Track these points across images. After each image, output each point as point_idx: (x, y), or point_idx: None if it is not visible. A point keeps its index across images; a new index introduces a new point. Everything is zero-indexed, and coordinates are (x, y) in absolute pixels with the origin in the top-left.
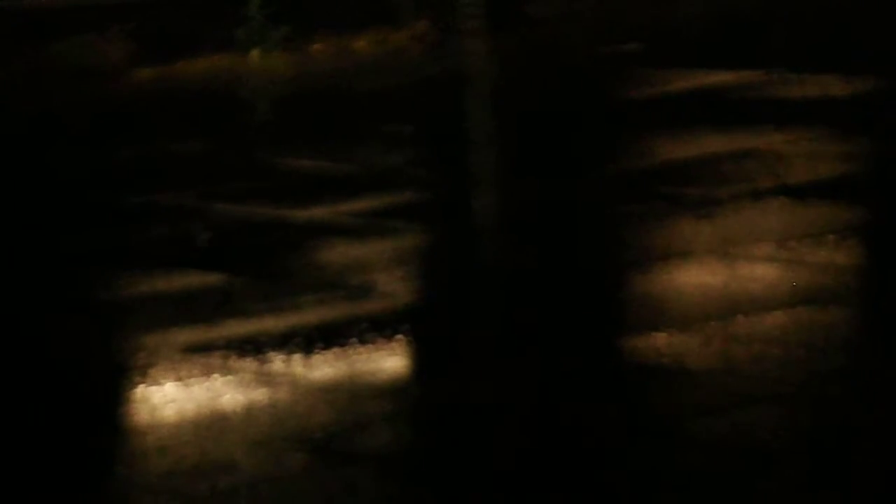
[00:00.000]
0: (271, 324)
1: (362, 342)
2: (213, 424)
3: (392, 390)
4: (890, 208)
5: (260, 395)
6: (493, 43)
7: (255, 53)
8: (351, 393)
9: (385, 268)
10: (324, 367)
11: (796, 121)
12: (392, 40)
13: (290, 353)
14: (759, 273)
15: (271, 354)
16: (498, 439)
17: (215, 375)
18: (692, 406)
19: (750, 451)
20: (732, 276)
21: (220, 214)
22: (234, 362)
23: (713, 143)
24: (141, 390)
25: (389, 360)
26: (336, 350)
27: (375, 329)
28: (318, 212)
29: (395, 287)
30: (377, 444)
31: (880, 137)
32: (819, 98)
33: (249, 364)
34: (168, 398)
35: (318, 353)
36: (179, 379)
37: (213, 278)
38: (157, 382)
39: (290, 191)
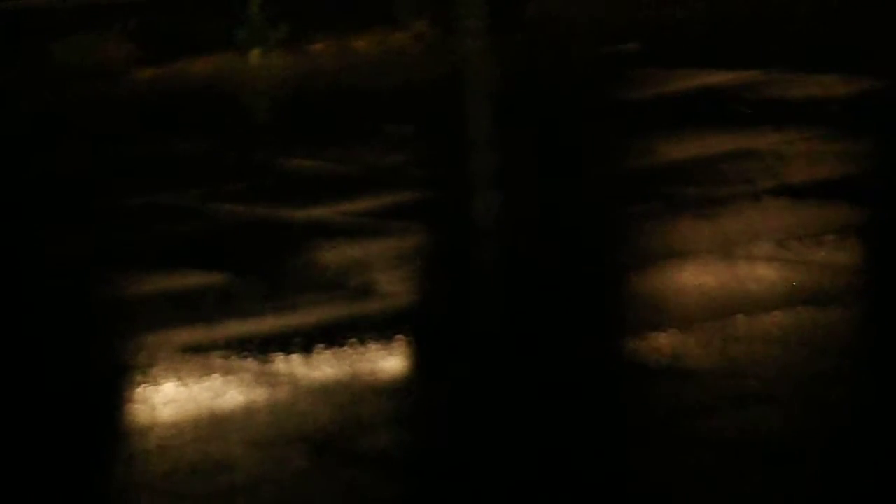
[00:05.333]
0: (271, 324)
1: (362, 342)
2: (213, 424)
3: (392, 390)
4: (890, 208)
5: (260, 395)
6: (493, 43)
7: (255, 53)
8: (351, 393)
9: (385, 268)
10: (324, 367)
11: (796, 121)
12: (392, 40)
13: (290, 353)
14: (759, 273)
15: (271, 354)
16: (498, 439)
17: (215, 375)
18: (692, 406)
19: (750, 451)
20: (732, 276)
21: (220, 214)
22: (234, 362)
23: (713, 143)
24: (141, 390)
25: (389, 360)
26: (336, 350)
27: (375, 329)
28: (318, 212)
29: (395, 287)
30: (377, 444)
31: (880, 137)
32: (819, 98)
33: (249, 364)
34: (168, 398)
35: (318, 353)
36: (179, 379)
37: (213, 278)
38: (157, 382)
39: (290, 191)
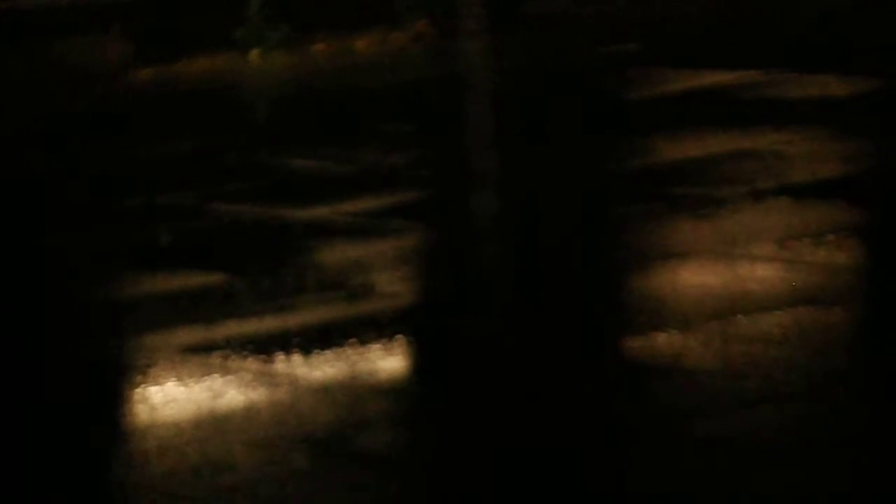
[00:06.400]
0: (271, 324)
1: (362, 342)
2: (213, 424)
3: (392, 390)
4: (890, 208)
5: (260, 395)
6: (493, 43)
7: (255, 53)
8: (351, 393)
9: (385, 268)
10: (324, 367)
11: (796, 121)
12: (392, 40)
13: (290, 353)
14: (759, 273)
15: (271, 354)
16: (498, 439)
17: (215, 375)
18: (692, 406)
19: (750, 451)
20: (732, 276)
21: (220, 214)
22: (234, 362)
23: (713, 143)
24: (141, 390)
25: (389, 360)
26: (336, 350)
27: (375, 329)
28: (318, 212)
29: (395, 287)
30: (378, 444)
31: (880, 137)
32: (819, 98)
33: (249, 364)
34: (168, 398)
35: (318, 353)
36: (179, 379)
37: (213, 278)
38: (157, 382)
39: (290, 191)
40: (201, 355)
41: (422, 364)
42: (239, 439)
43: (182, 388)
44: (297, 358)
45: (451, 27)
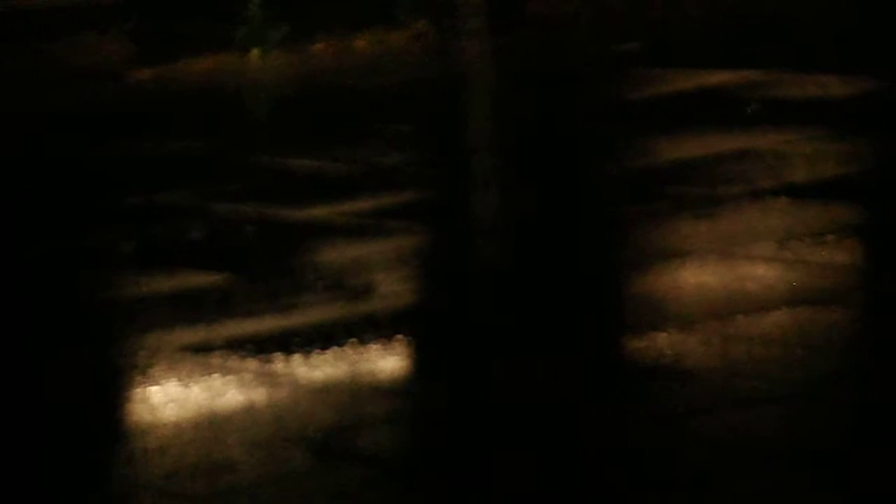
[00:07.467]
0: (271, 324)
1: (362, 342)
2: (213, 424)
3: (392, 390)
4: (890, 208)
5: (260, 395)
6: (493, 43)
7: (255, 53)
8: (351, 393)
9: (385, 268)
10: (324, 367)
11: (796, 121)
12: (392, 40)
13: (290, 353)
14: (759, 273)
15: (271, 354)
16: (497, 439)
17: (215, 375)
18: (692, 406)
19: (750, 451)
20: (732, 276)
21: (220, 214)
22: (234, 362)
23: (713, 143)
24: (141, 390)
25: (389, 360)
26: (336, 350)
27: (375, 329)
28: (318, 212)
29: (395, 287)
30: (377, 445)
31: (880, 137)
32: (819, 98)
33: (249, 364)
34: (168, 398)
35: (318, 353)
36: (179, 379)
37: (213, 278)
38: (157, 382)
39: (290, 191)
40: (201, 355)
41: (422, 364)
42: (239, 439)
43: (182, 388)
44: (297, 358)
45: (451, 27)
